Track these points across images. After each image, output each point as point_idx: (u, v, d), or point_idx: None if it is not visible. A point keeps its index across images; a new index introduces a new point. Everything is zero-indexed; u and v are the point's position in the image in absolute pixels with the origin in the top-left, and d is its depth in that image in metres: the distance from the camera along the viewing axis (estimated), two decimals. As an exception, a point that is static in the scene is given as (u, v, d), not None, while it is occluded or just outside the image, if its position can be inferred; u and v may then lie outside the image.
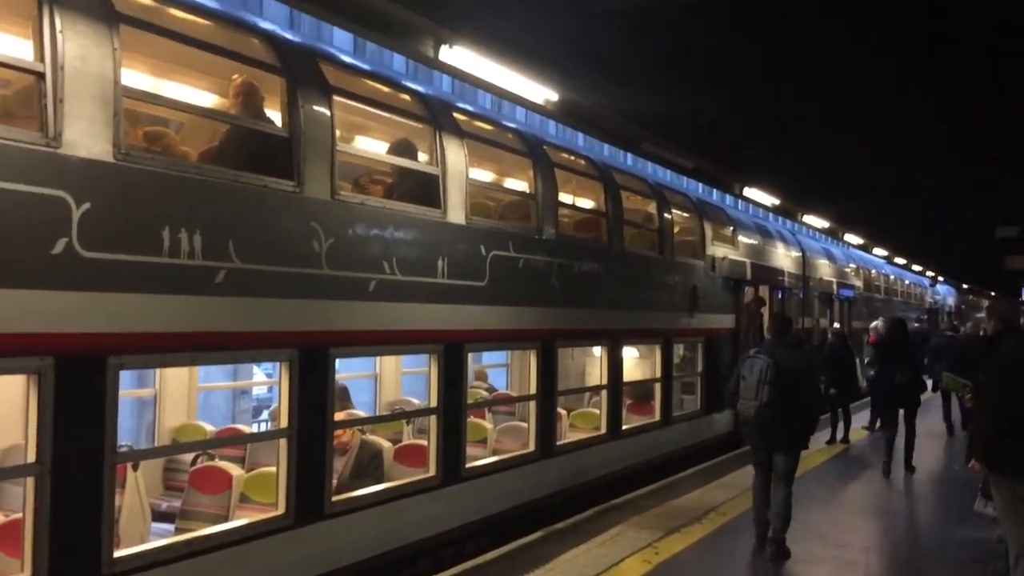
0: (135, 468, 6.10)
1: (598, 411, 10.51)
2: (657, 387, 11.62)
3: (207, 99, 6.88)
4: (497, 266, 8.01)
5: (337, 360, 6.29)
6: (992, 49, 7.35)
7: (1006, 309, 6.99)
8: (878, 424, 14.11)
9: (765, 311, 14.86)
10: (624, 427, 10.69)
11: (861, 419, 15.23)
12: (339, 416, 6.84)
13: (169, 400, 7.61)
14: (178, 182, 5.18)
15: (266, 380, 13.83)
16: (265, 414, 11.93)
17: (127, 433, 7.21)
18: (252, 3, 9.22)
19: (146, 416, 8.38)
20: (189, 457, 7.12)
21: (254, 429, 9.90)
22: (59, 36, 4.48)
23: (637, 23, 5.75)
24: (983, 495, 6.12)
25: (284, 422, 5.87)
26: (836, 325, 17.73)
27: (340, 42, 10.72)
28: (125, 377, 4.83)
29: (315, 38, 8.52)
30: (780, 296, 16.06)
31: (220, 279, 5.30)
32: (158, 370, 7.39)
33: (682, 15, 6.02)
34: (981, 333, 16.74)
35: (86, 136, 4.55)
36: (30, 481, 4.36)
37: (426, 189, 7.36)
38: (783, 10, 6.17)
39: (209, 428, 7.59)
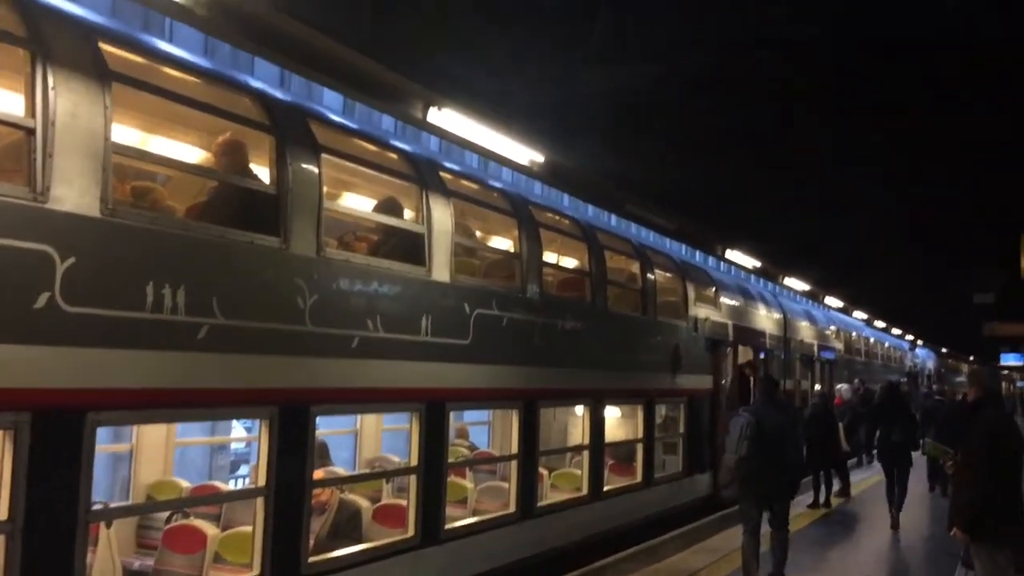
0: (108, 525, 5.99)
1: (579, 471, 10.43)
2: (639, 448, 11.57)
3: (197, 154, 6.92)
4: (481, 324, 8.02)
5: (318, 417, 6.24)
6: (966, 134, 7.59)
7: (987, 377, 7.06)
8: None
9: (749, 372, 14.92)
10: (606, 488, 10.60)
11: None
12: (318, 474, 6.76)
13: (145, 455, 7.50)
14: (164, 238, 5.19)
15: (245, 436, 13.66)
16: (243, 469, 11.78)
17: (101, 489, 7.07)
18: (243, 62, 9.33)
19: (121, 471, 8.25)
20: (164, 514, 6.99)
21: (231, 485, 9.75)
22: (51, 93, 4.52)
23: (623, 99, 5.90)
24: (964, 564, 6.11)
25: (261, 481, 5.79)
26: (818, 387, 17.80)
27: (330, 101, 10.84)
28: (101, 431, 4.78)
29: (305, 97, 8.62)
30: (762, 357, 16.12)
31: (203, 335, 5.27)
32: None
33: (668, 94, 6.16)
34: (959, 398, 16.90)
35: (74, 191, 4.57)
36: (0, 539, 4.27)
37: (411, 247, 7.39)
38: (764, 90, 6.34)
39: (185, 485, 7.47)
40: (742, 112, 7.06)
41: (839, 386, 17.14)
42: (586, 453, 10.25)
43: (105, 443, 7.58)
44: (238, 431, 14.89)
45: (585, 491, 10.12)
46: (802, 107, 6.95)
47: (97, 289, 4.67)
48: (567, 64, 5.62)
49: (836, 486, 14.55)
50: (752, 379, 14.67)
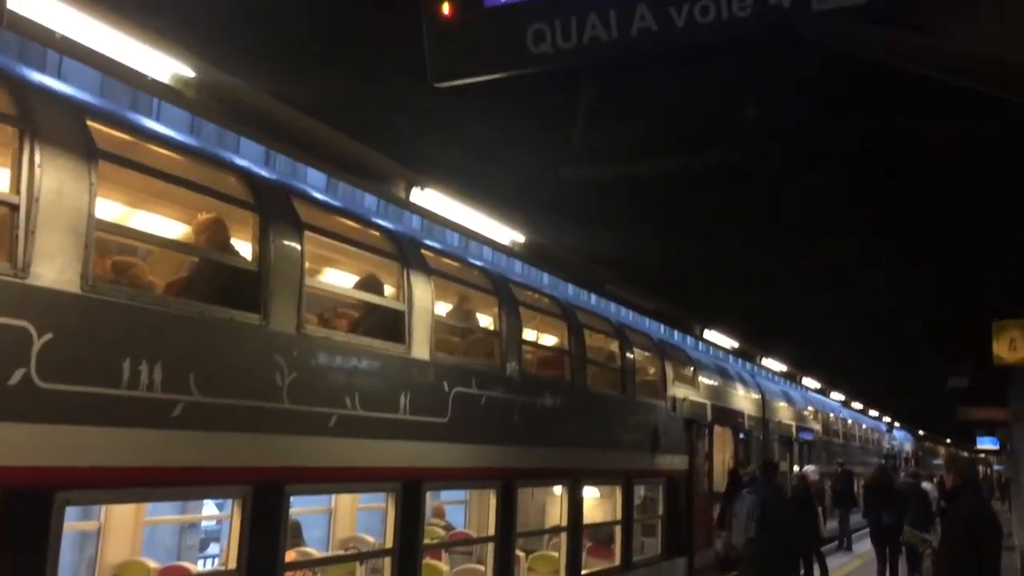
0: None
1: (556, 553, 10.26)
2: (618, 529, 11.42)
3: (180, 229, 6.95)
4: (460, 403, 7.98)
5: (292, 496, 6.15)
6: (940, 225, 7.84)
7: (964, 464, 7.10)
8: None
9: (726, 453, 14.88)
10: (584, 572, 10.42)
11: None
12: (290, 556, 6.62)
13: (113, 534, 7.32)
14: (143, 314, 5.18)
15: (215, 514, 13.36)
16: (213, 548, 11.49)
17: (66, 568, 6.90)
18: (230, 138, 9.44)
19: (88, 550, 8.03)
20: (130, 596, 6.80)
21: (201, 566, 9.51)
22: (37, 170, 4.56)
23: (603, 186, 6.06)
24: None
25: (232, 563, 5.66)
26: (797, 469, 17.72)
27: (314, 178, 10.96)
28: (70, 509, 4.68)
29: (290, 173, 8.73)
30: (741, 438, 16.09)
31: (178, 412, 5.22)
32: (105, 502, 7.15)
33: (646, 182, 6.33)
34: (935, 481, 16.86)
35: (55, 268, 4.57)
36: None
37: (391, 324, 7.40)
38: (744, 178, 6.55)
39: (153, 566, 7.28)
40: (721, 196, 7.24)
41: (807, 467, 17.08)
42: (564, 535, 10.10)
43: (73, 520, 7.41)
44: (209, 508, 14.55)
45: (563, 574, 9.94)
46: (783, 194, 7.14)
47: (73, 365, 4.63)
48: (549, 153, 5.77)
49: (816, 573, 14.36)
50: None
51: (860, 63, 3.27)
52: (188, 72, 5.34)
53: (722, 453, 15.34)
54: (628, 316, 14.67)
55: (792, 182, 6.68)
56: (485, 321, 9.98)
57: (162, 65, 5.23)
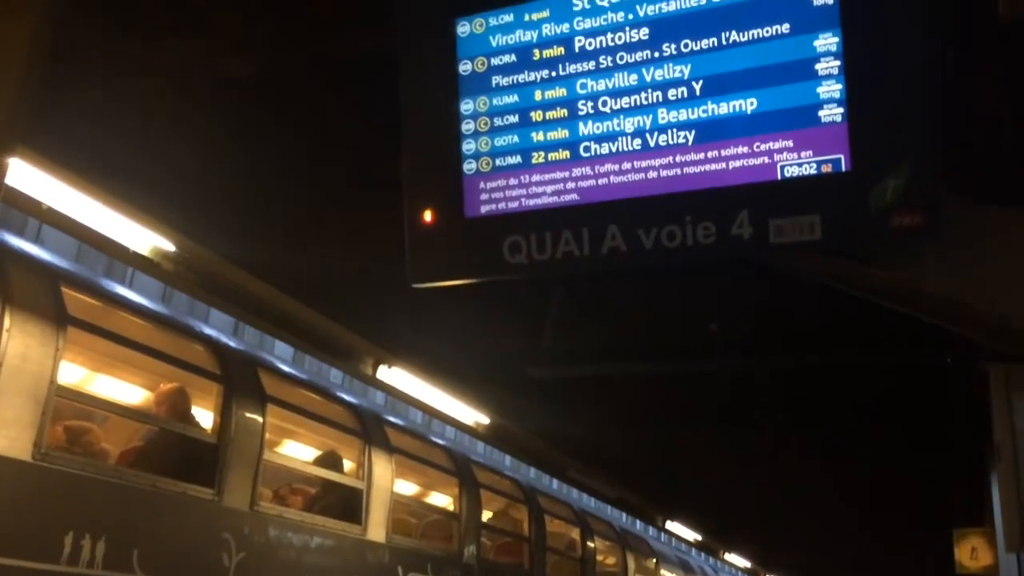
0: None
1: None
2: None
3: (142, 395, 6.87)
4: (413, 590, 7.68)
5: None
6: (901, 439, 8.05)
7: None
8: None
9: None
10: None
11: None
12: None
13: None
14: (92, 484, 5.03)
15: None
16: None
17: None
18: (200, 308, 9.52)
19: None
20: None
21: None
22: (5, 334, 4.55)
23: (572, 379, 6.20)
24: None
25: None
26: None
27: (282, 348, 10.97)
28: None
29: (257, 344, 8.75)
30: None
31: (116, 592, 4.97)
32: None
33: (616, 379, 6.49)
34: None
35: (8, 435, 4.47)
36: None
37: (348, 504, 7.22)
38: (711, 379, 6.77)
39: None
40: (688, 395, 7.38)
41: None
42: None
43: None
44: None
45: None
46: (749, 398, 7.33)
47: (13, 538, 4.44)
48: (518, 345, 5.90)
49: None
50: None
51: (822, 289, 3.47)
52: (168, 246, 5.45)
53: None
54: (590, 503, 14.42)
55: (758, 392, 6.88)
56: (444, 502, 9.76)
57: (142, 238, 5.34)
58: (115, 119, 4.68)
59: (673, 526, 16.18)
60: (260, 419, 6.28)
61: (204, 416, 6.31)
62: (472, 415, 8.70)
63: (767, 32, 2.83)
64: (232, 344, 6.81)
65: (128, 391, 6.78)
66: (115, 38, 4.27)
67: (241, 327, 10.92)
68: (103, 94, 4.53)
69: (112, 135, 4.78)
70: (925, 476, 9.64)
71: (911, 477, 9.88)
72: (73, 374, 6.13)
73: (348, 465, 7.58)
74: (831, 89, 2.77)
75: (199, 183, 5.25)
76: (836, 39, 2.76)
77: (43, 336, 4.76)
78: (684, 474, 11.77)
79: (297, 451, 8.31)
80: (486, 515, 9.46)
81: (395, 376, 7.54)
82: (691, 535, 17.19)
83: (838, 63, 2.76)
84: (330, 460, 7.56)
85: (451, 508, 9.07)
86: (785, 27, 2.82)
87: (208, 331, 6.65)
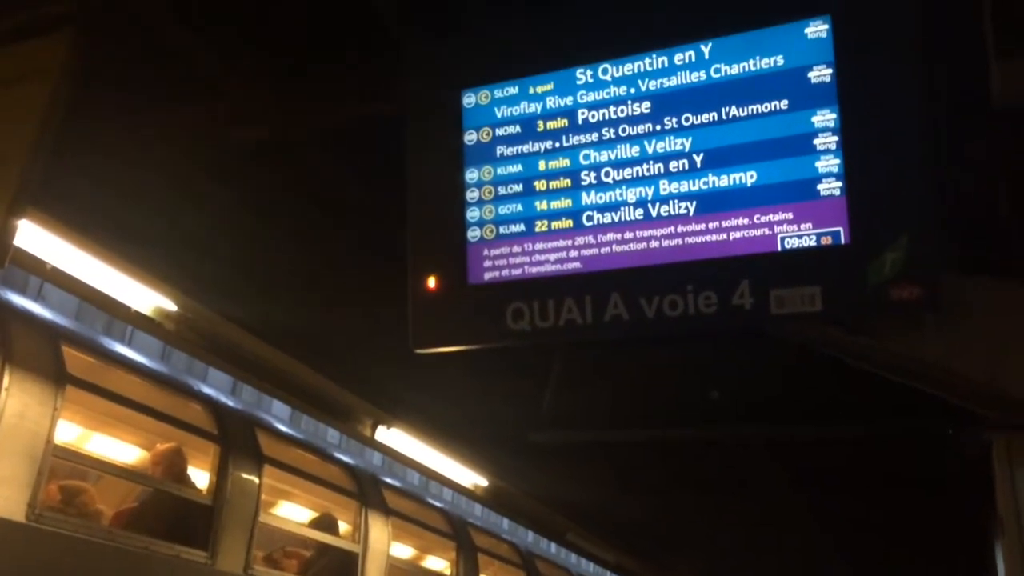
0: None
1: None
2: None
3: (139, 454, 6.82)
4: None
5: None
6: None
7: None
8: None
9: None
10: None
11: None
12: None
13: None
14: (85, 546, 4.97)
15: None
16: None
17: None
18: (198, 366, 9.51)
19: None
20: None
21: None
22: (4, 392, 4.54)
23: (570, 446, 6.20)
24: None
25: None
26: None
27: (280, 407, 10.93)
28: None
29: (255, 404, 8.72)
30: None
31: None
32: None
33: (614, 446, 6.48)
34: None
35: (2, 495, 4.44)
36: None
37: (344, 568, 7.13)
38: (712, 447, 6.79)
39: None
40: (689, 462, 7.38)
41: None
42: None
43: None
44: None
45: None
46: (751, 467, 7.34)
47: (2, 600, 4.38)
48: (520, 408, 5.90)
49: None
50: None
51: (823, 358, 3.49)
52: (170, 305, 5.47)
53: None
54: (589, 567, 14.19)
55: (759, 459, 6.87)
56: (441, 565, 9.62)
57: (145, 297, 5.37)
58: (123, 182, 4.73)
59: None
60: (256, 480, 6.23)
61: (200, 476, 6.26)
62: (471, 477, 8.63)
63: (766, 108, 2.90)
64: (230, 403, 6.79)
65: (125, 450, 6.74)
66: (127, 103, 4.34)
67: (239, 385, 10.88)
68: (113, 158, 4.59)
69: (119, 197, 4.83)
70: (930, 544, 9.54)
71: (916, 545, 9.78)
72: (70, 433, 6.10)
73: (344, 527, 7.49)
74: (829, 164, 2.82)
75: (204, 245, 5.29)
76: (834, 115, 2.83)
77: (42, 395, 4.76)
78: (684, 540, 11.62)
79: (293, 512, 8.21)
80: (483, 580, 9.31)
81: (394, 437, 7.50)
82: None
83: (836, 138, 2.81)
84: (325, 523, 7.48)
85: (448, 572, 8.94)
86: (784, 103, 2.88)
87: (207, 390, 6.63)
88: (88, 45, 3.86)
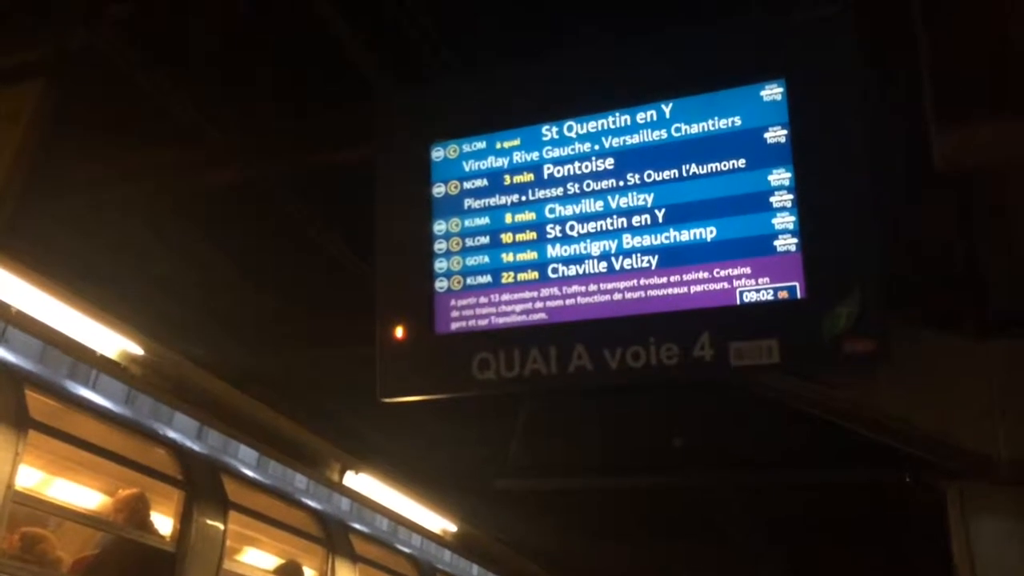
0: None
1: None
2: None
3: (101, 499, 6.71)
4: None
5: None
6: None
7: None
8: None
9: None
10: None
11: None
12: None
13: None
14: (43, 596, 4.88)
15: None
16: None
17: None
18: (163, 411, 9.41)
19: None
20: None
21: None
22: (-37, 440, 4.48)
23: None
24: None
25: None
26: None
27: (245, 452, 10.82)
28: None
29: (221, 448, 8.62)
30: None
31: None
32: None
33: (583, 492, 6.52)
34: None
35: (-40, 545, 4.36)
36: None
37: (309, 616, 7.03)
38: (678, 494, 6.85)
39: None
40: (656, 509, 7.41)
41: None
42: None
43: None
44: None
45: None
46: (717, 513, 7.38)
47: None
48: (486, 453, 5.91)
49: None
50: None
51: (784, 408, 3.56)
52: (136, 349, 5.44)
53: None
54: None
55: (724, 506, 6.92)
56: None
57: (111, 341, 5.34)
58: (92, 224, 4.74)
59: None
60: (221, 526, 6.15)
61: (164, 522, 6.16)
62: (439, 522, 8.57)
63: (725, 166, 2.99)
64: (196, 448, 6.72)
65: (87, 496, 6.62)
66: (97, 146, 4.36)
67: (205, 430, 10.77)
68: (80, 201, 4.59)
69: (87, 241, 4.83)
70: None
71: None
72: (32, 478, 5.99)
73: (310, 574, 7.39)
74: (785, 221, 2.91)
75: (172, 288, 5.29)
76: (789, 174, 2.91)
77: (3, 439, 4.70)
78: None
79: (259, 559, 8.09)
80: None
81: (362, 482, 7.45)
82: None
83: (791, 196, 2.90)
84: (290, 570, 7.39)
85: (416, 619, 8.82)
86: (741, 162, 2.97)
87: (172, 434, 6.56)
88: (60, 91, 3.89)
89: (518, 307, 3.16)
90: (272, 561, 7.81)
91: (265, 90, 4.05)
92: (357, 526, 8.29)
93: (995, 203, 3.36)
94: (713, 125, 3.04)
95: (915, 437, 3.35)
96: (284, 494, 7.69)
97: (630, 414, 5.25)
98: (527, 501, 7.19)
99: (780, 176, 2.93)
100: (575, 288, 3.11)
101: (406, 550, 9.35)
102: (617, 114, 3.16)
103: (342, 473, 7.35)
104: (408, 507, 8.13)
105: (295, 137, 4.29)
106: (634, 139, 3.12)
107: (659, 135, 3.09)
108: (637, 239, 3.07)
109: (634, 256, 3.06)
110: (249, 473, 7.27)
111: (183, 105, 4.09)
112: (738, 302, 2.91)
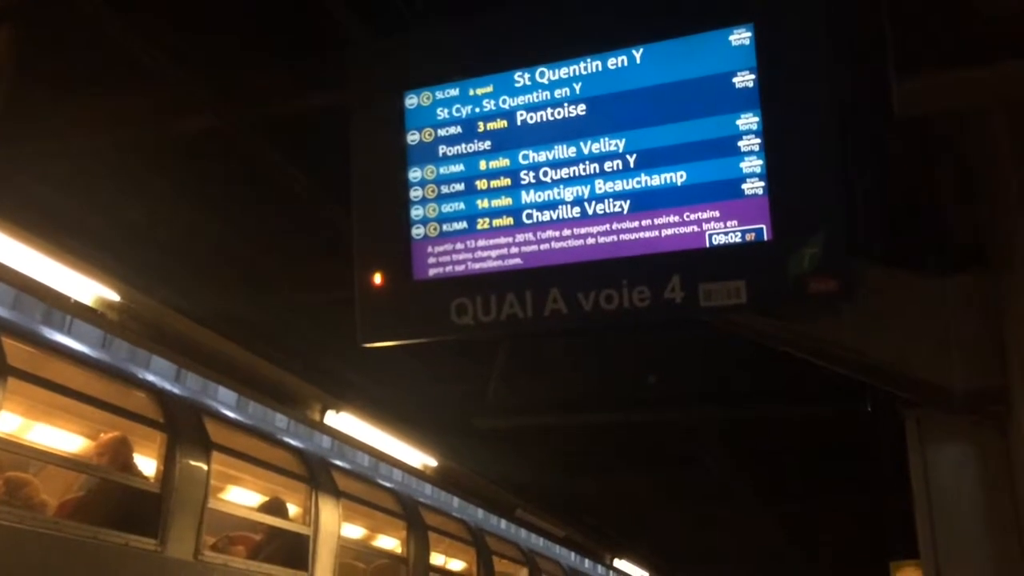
0: None
1: None
2: None
3: (83, 443, 6.78)
4: (359, 638, 7.63)
5: None
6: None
7: None
8: None
9: None
10: None
11: None
12: None
13: None
14: (31, 538, 4.96)
15: None
16: None
17: None
18: (141, 354, 9.43)
19: None
20: None
21: None
22: (-58, 387, 4.51)
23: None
24: None
25: None
26: None
27: (226, 393, 10.90)
28: None
29: (200, 390, 8.69)
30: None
31: (55, 650, 4.90)
32: None
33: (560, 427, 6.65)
34: None
35: (-54, 490, 4.42)
36: None
37: (294, 550, 7.18)
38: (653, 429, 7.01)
39: None
40: (632, 442, 7.58)
41: None
42: None
43: None
44: None
45: None
46: (691, 444, 7.56)
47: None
48: (466, 391, 6.02)
49: None
50: None
51: (753, 345, 3.68)
52: (112, 295, 5.46)
53: None
54: (539, 542, 14.43)
55: (699, 438, 7.11)
56: (392, 545, 9.71)
57: (86, 288, 5.34)
58: (62, 174, 4.71)
59: (621, 564, 16.25)
60: (204, 467, 6.24)
61: (148, 464, 6.25)
62: (420, 458, 8.74)
63: (694, 111, 3.03)
64: (176, 391, 6.78)
65: (69, 440, 6.69)
66: (64, 95, 4.32)
67: (184, 373, 10.81)
68: (51, 149, 4.56)
69: (59, 189, 4.81)
70: (863, 513, 9.95)
71: (850, 515, 10.19)
72: (12, 424, 6.04)
73: (294, 510, 7.54)
74: (753, 164, 2.96)
75: (145, 235, 5.29)
76: (756, 119, 2.97)
77: (-17, 389, 4.72)
78: (631, 514, 11.92)
79: (243, 497, 8.23)
80: (434, 557, 9.45)
81: (343, 421, 7.56)
82: (639, 572, 17.27)
83: (759, 141, 2.96)
84: (275, 506, 7.52)
85: (399, 551, 9.04)
86: (711, 106, 3.02)
87: (151, 378, 6.61)
88: (27, 36, 3.84)
89: (494, 252, 3.22)
90: (256, 499, 7.95)
91: (234, 36, 4.02)
92: (339, 463, 8.43)
93: (957, 149, 3.46)
94: (683, 70, 3.07)
95: (875, 369, 3.49)
96: (265, 434, 7.79)
97: (605, 353, 5.37)
98: (506, 437, 7.35)
99: (748, 121, 2.98)
100: (549, 233, 3.17)
101: (387, 485, 9.54)
102: (588, 60, 3.18)
103: (323, 413, 7.45)
104: (389, 444, 8.28)
105: (265, 81, 4.27)
106: (606, 85, 3.15)
107: (630, 80, 3.12)
108: (609, 184, 3.12)
109: (606, 201, 3.12)
110: (230, 414, 7.35)
111: (151, 51, 4.05)
112: (707, 245, 2.99)
